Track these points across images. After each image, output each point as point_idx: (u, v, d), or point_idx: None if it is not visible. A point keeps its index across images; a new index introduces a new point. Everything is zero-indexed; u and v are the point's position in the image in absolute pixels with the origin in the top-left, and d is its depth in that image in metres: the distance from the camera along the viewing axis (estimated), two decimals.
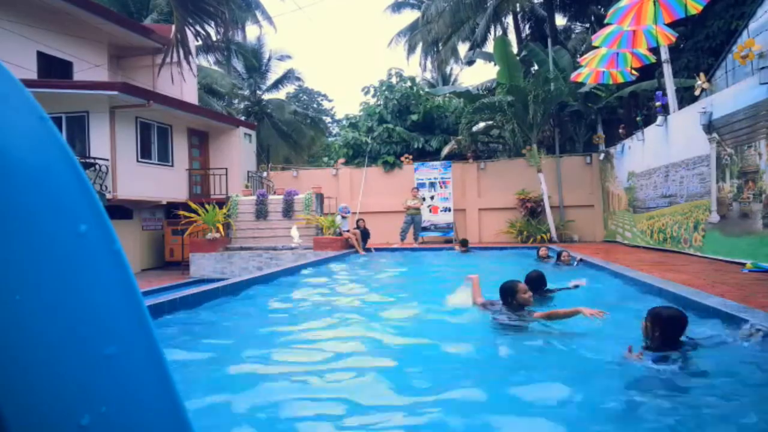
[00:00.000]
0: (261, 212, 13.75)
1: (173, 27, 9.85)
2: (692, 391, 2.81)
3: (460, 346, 3.89)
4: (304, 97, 37.57)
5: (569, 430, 2.45)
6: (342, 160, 19.23)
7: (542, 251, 9.55)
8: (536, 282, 5.16)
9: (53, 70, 13.31)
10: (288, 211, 13.62)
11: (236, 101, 26.71)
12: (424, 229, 15.41)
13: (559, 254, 8.77)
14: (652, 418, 2.50)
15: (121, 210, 13.44)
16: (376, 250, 12.94)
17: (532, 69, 17.18)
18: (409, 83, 20.17)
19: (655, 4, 7.96)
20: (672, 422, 2.45)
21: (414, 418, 2.62)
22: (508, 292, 4.30)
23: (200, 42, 12.19)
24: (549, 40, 15.86)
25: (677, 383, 2.86)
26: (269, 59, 25.68)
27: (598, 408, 2.68)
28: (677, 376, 2.91)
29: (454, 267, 9.46)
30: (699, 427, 2.44)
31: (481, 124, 18.47)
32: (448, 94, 18.90)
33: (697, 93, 9.77)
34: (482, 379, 3.24)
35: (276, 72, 25.95)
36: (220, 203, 13.75)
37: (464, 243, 12.10)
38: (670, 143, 10.19)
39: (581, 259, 8.63)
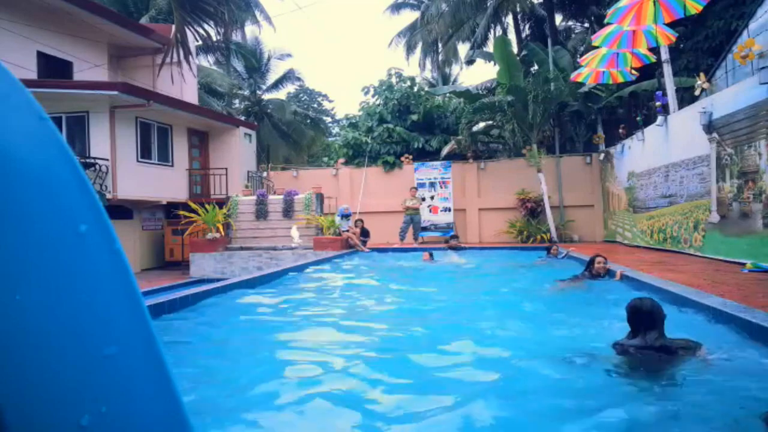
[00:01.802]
0: (261, 212, 13.74)
1: (173, 27, 9.86)
2: None
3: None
4: (305, 97, 37.54)
5: None
6: (342, 160, 19.21)
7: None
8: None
9: (53, 70, 13.29)
10: (288, 211, 13.61)
11: (236, 101, 26.69)
12: (424, 229, 15.41)
13: (548, 249, 9.97)
14: None
15: (121, 210, 13.43)
16: (377, 250, 12.93)
17: (532, 69, 17.16)
18: (409, 83, 20.15)
19: (655, 4, 7.96)
20: None
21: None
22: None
23: (200, 42, 12.19)
24: (549, 40, 15.86)
25: None
26: (269, 59, 25.64)
27: None
28: None
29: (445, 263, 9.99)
30: None
31: (481, 124, 18.47)
32: (448, 94, 18.89)
33: (697, 93, 9.76)
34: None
35: (276, 72, 25.93)
36: (220, 203, 13.74)
37: (448, 240, 12.36)
38: (670, 143, 10.18)
39: (567, 254, 9.53)
